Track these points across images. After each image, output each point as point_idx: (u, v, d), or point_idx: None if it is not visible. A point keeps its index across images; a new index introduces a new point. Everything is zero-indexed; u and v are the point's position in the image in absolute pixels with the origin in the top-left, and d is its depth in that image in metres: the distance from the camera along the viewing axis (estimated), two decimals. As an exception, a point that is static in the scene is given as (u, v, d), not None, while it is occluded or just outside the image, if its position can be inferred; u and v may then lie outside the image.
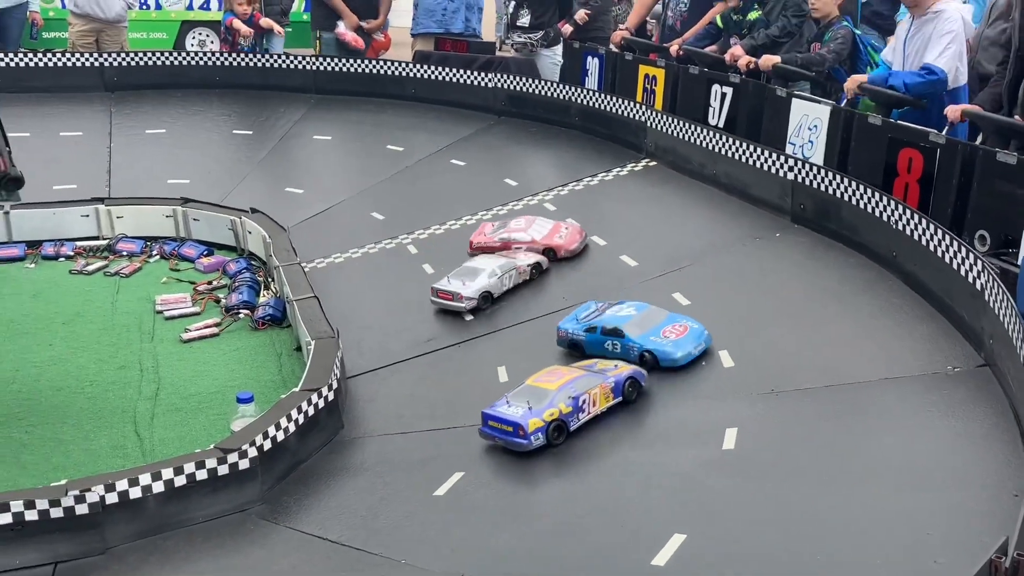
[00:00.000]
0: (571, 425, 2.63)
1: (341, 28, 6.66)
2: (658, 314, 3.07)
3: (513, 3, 6.94)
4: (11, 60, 5.93)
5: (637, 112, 4.83)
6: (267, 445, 2.64)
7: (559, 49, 6.92)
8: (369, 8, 6.90)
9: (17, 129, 5.61)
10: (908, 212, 3.18)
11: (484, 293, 3.59)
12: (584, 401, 2.65)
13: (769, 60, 5.17)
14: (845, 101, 4.68)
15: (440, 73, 5.84)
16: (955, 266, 2.90)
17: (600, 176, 4.65)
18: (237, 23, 6.76)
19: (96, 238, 4.81)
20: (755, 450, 2.47)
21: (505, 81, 5.60)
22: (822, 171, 3.66)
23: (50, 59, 6.04)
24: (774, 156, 3.90)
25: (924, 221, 3.10)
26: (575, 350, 3.09)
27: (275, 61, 6.17)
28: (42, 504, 2.31)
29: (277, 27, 7.07)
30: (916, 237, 3.13)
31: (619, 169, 4.69)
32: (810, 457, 2.42)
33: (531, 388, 2.70)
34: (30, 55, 6.10)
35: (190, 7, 10.20)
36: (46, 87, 5.87)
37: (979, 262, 2.77)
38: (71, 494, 2.33)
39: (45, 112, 5.65)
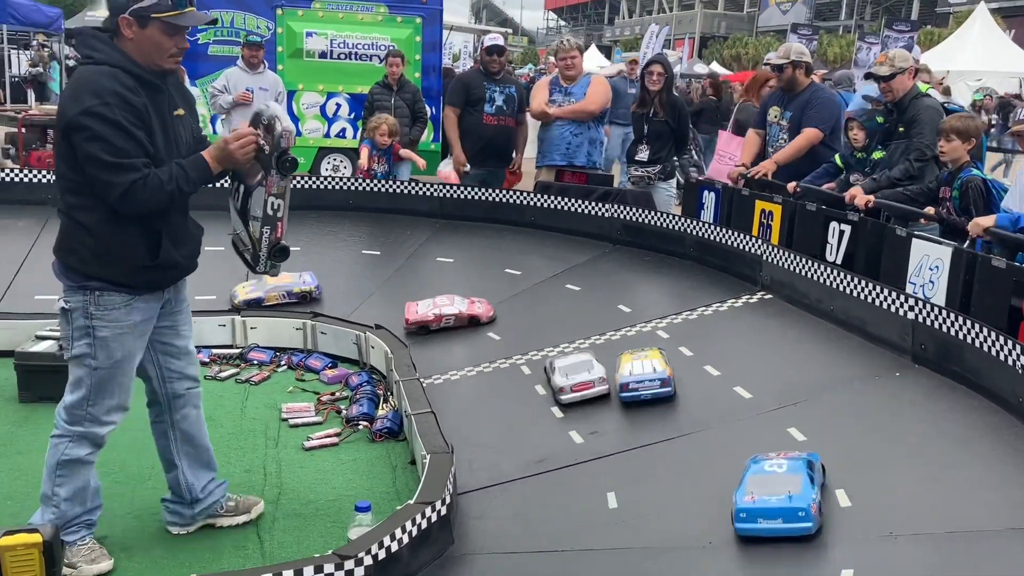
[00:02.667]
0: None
1: (442, 167, 7.02)
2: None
3: (632, 139, 7.22)
4: (168, 180, 6.47)
5: (753, 245, 4.89)
6: (381, 555, 2.72)
7: (674, 182, 7.12)
8: (506, 150, 7.20)
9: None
10: (1035, 357, 3.11)
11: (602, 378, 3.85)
12: None
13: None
14: (981, 246, 4.57)
15: (559, 202, 6.08)
16: (1087, 416, 2.81)
17: (714, 306, 4.69)
18: (362, 150, 7.30)
19: (230, 346, 5.11)
20: (872, 594, 2.41)
21: (621, 211, 5.78)
22: (943, 312, 3.62)
23: (202, 180, 6.56)
24: (894, 295, 3.88)
25: (1052, 367, 3.02)
26: None
27: (403, 188, 6.55)
28: (173, 596, 2.44)
29: (420, 160, 7.55)
30: (1044, 383, 3.05)
31: (734, 300, 4.72)
32: (931, 606, 2.34)
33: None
34: (185, 176, 6.65)
35: (327, 135, 10.94)
36: (201, 205, 6.34)
37: (1112, 412, 2.68)
38: (199, 589, 2.46)
39: (194, 228, 6.11)
